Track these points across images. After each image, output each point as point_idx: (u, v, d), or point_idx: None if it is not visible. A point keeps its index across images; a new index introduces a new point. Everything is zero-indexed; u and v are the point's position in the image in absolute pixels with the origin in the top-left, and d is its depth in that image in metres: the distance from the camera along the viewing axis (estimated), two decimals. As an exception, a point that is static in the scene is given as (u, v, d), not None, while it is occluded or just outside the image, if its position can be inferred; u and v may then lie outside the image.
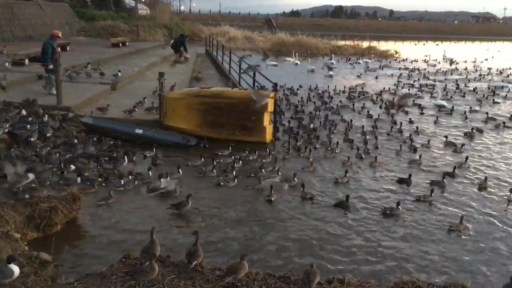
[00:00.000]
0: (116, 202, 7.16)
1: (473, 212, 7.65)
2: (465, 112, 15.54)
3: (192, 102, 10.90)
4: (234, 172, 8.56)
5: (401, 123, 13.23)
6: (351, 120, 13.32)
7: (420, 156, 10.21)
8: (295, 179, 8.38)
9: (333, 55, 35.86)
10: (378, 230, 6.79)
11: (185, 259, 4.78)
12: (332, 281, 4.65)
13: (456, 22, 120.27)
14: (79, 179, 7.64)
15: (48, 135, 9.62)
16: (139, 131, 10.35)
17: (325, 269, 5.47)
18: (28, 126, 9.62)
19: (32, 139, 9.21)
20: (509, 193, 8.27)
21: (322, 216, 7.17)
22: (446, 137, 12.23)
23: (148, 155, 9.48)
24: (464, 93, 19.86)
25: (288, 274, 4.78)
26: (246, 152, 9.78)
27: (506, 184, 9.03)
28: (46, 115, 10.45)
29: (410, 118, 14.45)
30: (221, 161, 9.35)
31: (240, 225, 6.70)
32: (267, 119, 10.88)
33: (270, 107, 10.86)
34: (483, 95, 19.27)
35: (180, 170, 8.43)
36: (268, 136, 10.99)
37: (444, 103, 16.96)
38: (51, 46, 12.60)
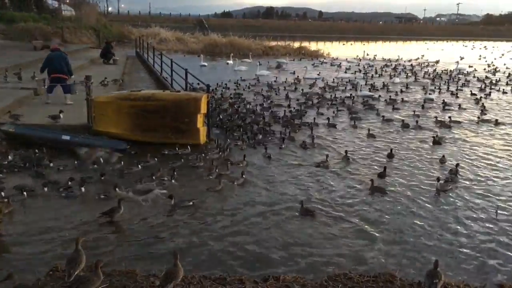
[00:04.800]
0: (41, 210, 6.82)
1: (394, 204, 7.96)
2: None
3: (122, 106, 10.57)
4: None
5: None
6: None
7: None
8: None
9: (287, 55, 36.70)
10: (305, 226, 6.84)
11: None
12: (268, 279, 4.69)
13: (381, 22, 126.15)
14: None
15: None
16: (66, 137, 9.87)
17: (261, 267, 5.47)
18: None
19: None
20: (436, 182, 8.63)
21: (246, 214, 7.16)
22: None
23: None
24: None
25: (224, 275, 4.76)
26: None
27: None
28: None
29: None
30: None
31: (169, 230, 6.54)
32: (200, 120, 10.78)
33: (203, 109, 10.79)
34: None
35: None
36: (202, 138, 10.91)
37: (368, 93, 19.37)
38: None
